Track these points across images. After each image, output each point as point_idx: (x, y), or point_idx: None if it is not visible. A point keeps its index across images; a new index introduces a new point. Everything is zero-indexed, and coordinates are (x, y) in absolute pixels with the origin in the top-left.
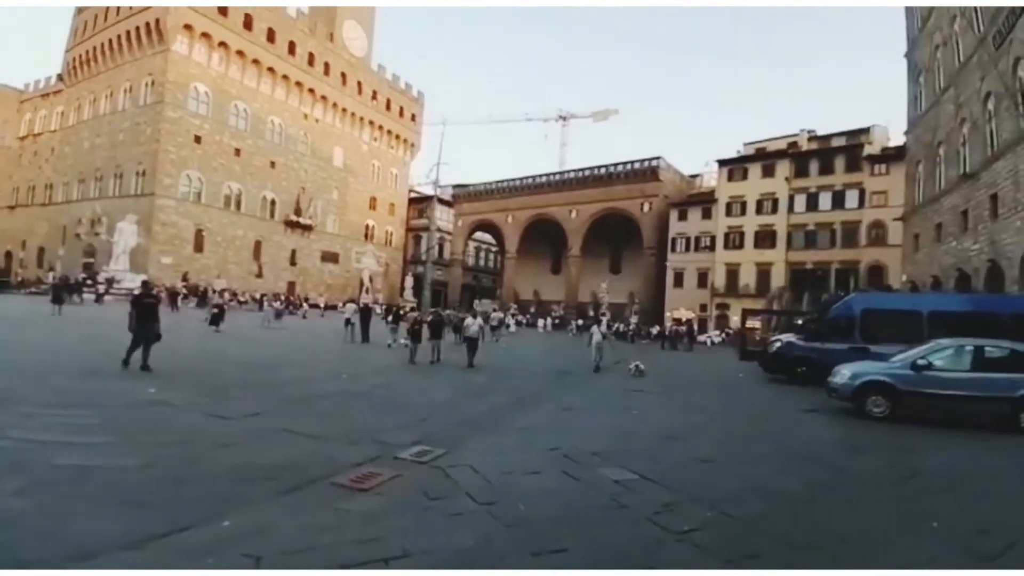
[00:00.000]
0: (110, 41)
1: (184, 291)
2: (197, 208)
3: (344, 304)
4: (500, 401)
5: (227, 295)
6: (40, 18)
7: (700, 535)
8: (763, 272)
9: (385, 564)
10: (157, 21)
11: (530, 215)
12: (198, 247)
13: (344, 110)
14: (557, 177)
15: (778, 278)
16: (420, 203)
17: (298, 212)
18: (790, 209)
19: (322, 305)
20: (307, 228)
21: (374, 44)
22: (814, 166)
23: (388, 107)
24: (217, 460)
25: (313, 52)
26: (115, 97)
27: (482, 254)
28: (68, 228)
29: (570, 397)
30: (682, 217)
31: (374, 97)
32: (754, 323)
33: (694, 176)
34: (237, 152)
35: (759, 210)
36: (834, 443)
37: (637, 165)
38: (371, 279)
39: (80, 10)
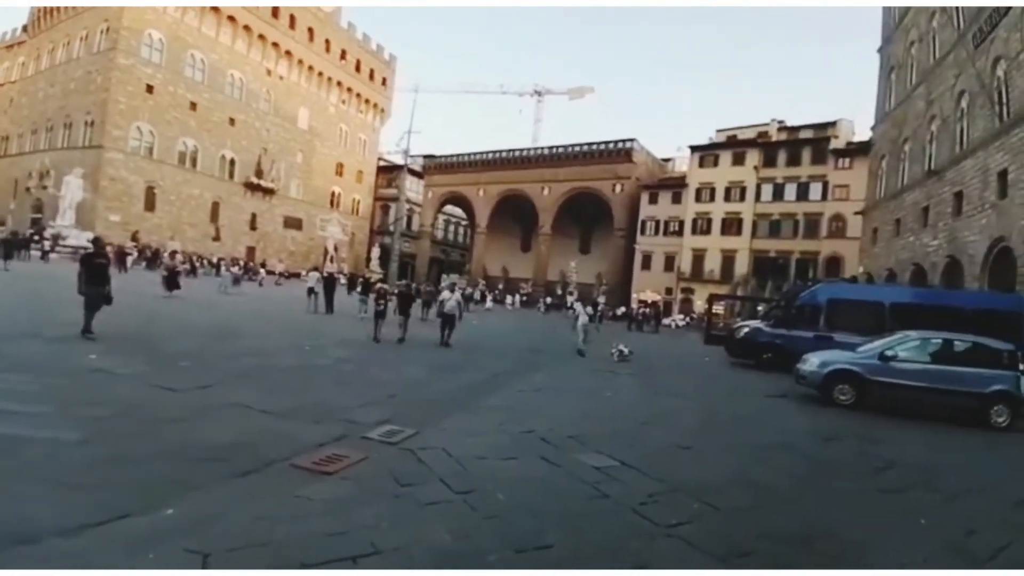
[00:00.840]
0: None
1: (134, 251)
2: (149, 164)
3: (307, 272)
4: (471, 379)
5: (180, 257)
6: None
7: (689, 529)
8: (728, 258)
9: (353, 563)
10: None
11: (502, 190)
12: (149, 205)
13: (311, 68)
14: (531, 153)
15: (742, 265)
16: (389, 172)
17: (259, 174)
18: (757, 198)
19: (279, 272)
20: (269, 191)
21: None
22: (782, 157)
23: (358, 69)
24: (162, 437)
25: (277, 4)
26: (71, 45)
27: (451, 228)
28: (20, 181)
29: (542, 377)
30: (653, 200)
31: (343, 57)
32: (718, 308)
33: (666, 160)
34: (193, 106)
35: (727, 197)
36: (806, 432)
37: (611, 146)
38: (336, 248)
39: None
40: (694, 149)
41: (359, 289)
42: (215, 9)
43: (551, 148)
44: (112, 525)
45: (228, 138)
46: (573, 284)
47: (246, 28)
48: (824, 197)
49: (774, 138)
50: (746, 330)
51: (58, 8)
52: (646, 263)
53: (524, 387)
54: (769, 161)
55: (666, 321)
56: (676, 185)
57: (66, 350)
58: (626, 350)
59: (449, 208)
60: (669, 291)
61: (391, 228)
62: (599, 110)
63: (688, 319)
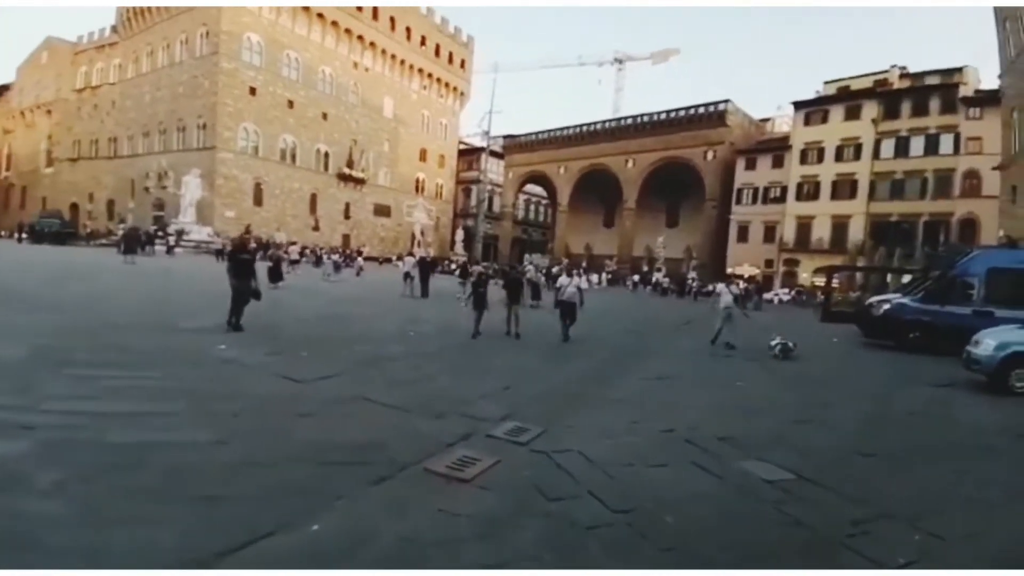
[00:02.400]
0: None
1: (252, 244)
2: (255, 161)
3: (401, 257)
4: (584, 367)
5: (296, 248)
6: None
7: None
8: (840, 225)
9: None
10: None
11: (583, 166)
12: (258, 200)
13: (393, 57)
14: (613, 125)
15: (857, 231)
16: (470, 155)
17: (351, 165)
18: (875, 155)
19: (379, 258)
20: (360, 181)
21: None
22: (906, 106)
23: (437, 53)
24: (295, 435)
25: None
26: (172, 49)
27: (532, 207)
28: (136, 182)
29: (658, 364)
30: (750, 166)
31: (423, 43)
32: (824, 280)
33: (764, 120)
34: (290, 104)
35: (839, 157)
36: (1000, 429)
37: (702, 110)
38: (422, 232)
39: None
40: (798, 106)
41: (458, 272)
42: (306, 9)
43: (635, 118)
44: (255, 547)
45: (322, 132)
46: (661, 260)
47: (334, 24)
48: (956, 150)
49: (895, 86)
50: (887, 306)
51: (149, 10)
52: (742, 234)
53: (644, 376)
54: (891, 113)
55: (767, 296)
56: (777, 147)
57: (195, 341)
58: (790, 343)
59: (529, 187)
60: (769, 264)
61: (473, 211)
62: (685, 74)
63: (794, 293)
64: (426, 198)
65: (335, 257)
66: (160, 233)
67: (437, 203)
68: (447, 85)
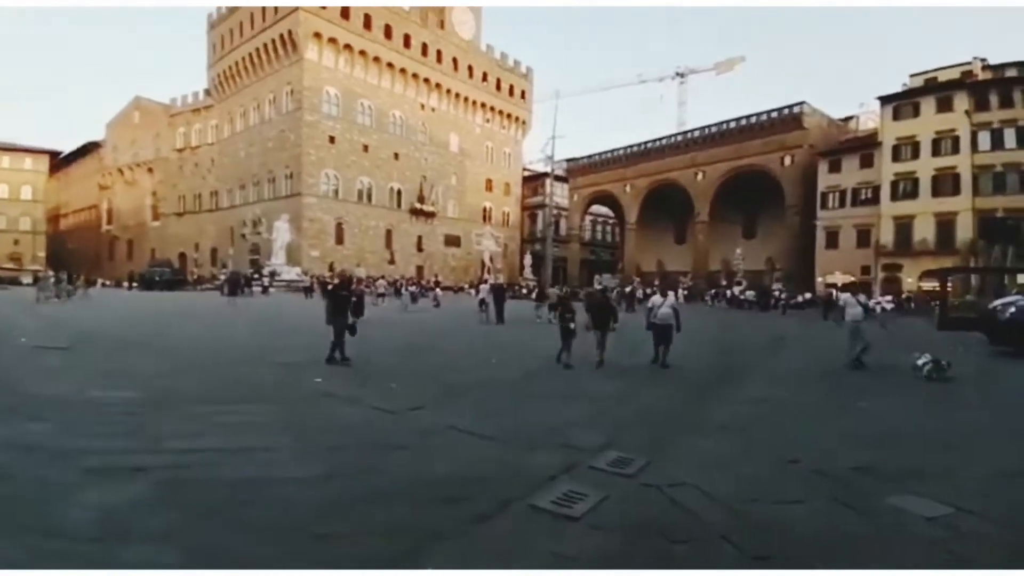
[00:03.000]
0: (250, 55)
1: (334, 280)
2: (336, 203)
3: (474, 286)
4: (675, 389)
5: (382, 284)
6: (170, 35)
7: None
8: (945, 223)
9: None
10: (289, 32)
11: (650, 182)
12: (339, 239)
13: (457, 95)
14: (679, 138)
15: (965, 230)
16: (534, 181)
17: (421, 199)
18: (973, 147)
19: (454, 287)
20: (430, 215)
21: (482, 24)
22: (994, 98)
23: (498, 87)
24: (394, 469)
25: (426, 42)
26: (262, 108)
27: (599, 228)
28: (235, 230)
29: (758, 386)
30: (834, 168)
31: (484, 79)
32: (933, 285)
33: (846, 120)
34: (365, 148)
35: (936, 150)
36: None
37: (775, 114)
38: (491, 259)
39: (213, 26)
40: (885, 100)
41: (534, 296)
42: (377, 59)
43: (702, 129)
44: None
45: (394, 171)
46: (740, 272)
47: (402, 71)
48: None
49: (980, 77)
50: (1013, 310)
51: (239, 74)
52: (831, 240)
53: (745, 399)
54: (981, 104)
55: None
56: (864, 146)
57: (293, 375)
58: (943, 361)
59: (595, 208)
60: (866, 270)
61: (539, 235)
62: (751, 81)
63: (899, 300)
64: (493, 226)
65: (412, 288)
66: (256, 275)
67: (504, 230)
68: (508, 116)
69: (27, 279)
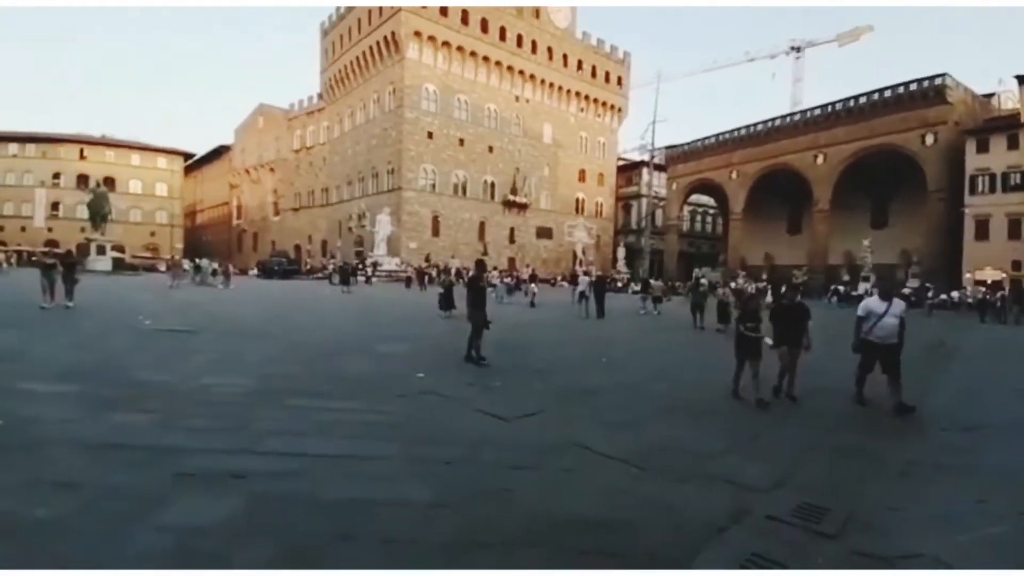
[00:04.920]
0: (357, 59)
1: (432, 271)
2: (433, 197)
3: (567, 278)
4: (841, 408)
5: (495, 273)
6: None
7: None
8: None
9: None
10: (392, 33)
11: (759, 168)
12: (435, 231)
13: (551, 85)
14: (795, 118)
15: None
16: (629, 170)
17: (514, 192)
18: None
19: (551, 280)
20: (523, 207)
21: (577, 10)
22: None
23: (593, 74)
24: (516, 499)
25: (521, 33)
26: (367, 108)
27: (699, 218)
28: (342, 223)
29: (964, 407)
30: (982, 148)
31: (579, 67)
32: None
33: (988, 96)
34: (461, 142)
35: None
36: None
37: (913, 87)
38: (584, 251)
39: (325, 33)
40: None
41: (638, 286)
42: (473, 53)
43: (823, 107)
44: None
45: (488, 164)
46: (868, 266)
47: (497, 64)
48: None
49: None
50: None
51: (347, 77)
52: (981, 231)
53: (948, 425)
54: None
55: None
56: (1010, 126)
57: (395, 368)
58: None
59: (695, 197)
60: (1016, 265)
61: (634, 227)
62: (878, 54)
63: None
64: (586, 218)
65: (507, 280)
66: (360, 266)
67: (597, 221)
68: (604, 104)
69: (162, 267)
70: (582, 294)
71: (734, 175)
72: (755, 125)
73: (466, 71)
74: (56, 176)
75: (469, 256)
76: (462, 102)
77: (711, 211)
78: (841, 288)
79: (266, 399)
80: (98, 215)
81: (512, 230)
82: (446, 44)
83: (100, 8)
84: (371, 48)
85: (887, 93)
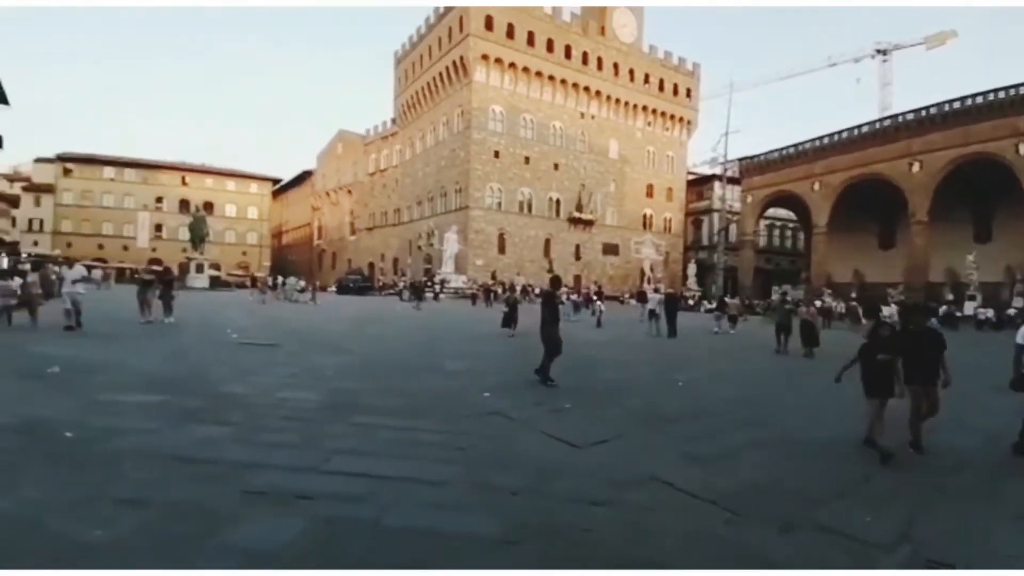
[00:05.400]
0: (427, 84)
1: (497, 288)
2: (499, 215)
3: (635, 296)
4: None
5: (565, 290)
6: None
7: None
8: None
9: None
10: (461, 58)
11: (845, 178)
12: (501, 249)
13: (617, 101)
14: (886, 124)
15: None
16: (699, 184)
17: (579, 208)
18: None
19: (619, 297)
20: (588, 223)
21: (644, 24)
22: None
23: (661, 88)
24: (597, 540)
25: (586, 51)
26: (436, 130)
27: (776, 232)
28: (412, 242)
29: None
30: None
31: (646, 81)
32: None
33: None
34: (526, 160)
35: None
36: None
37: (1001, 94)
38: (651, 268)
39: (399, 62)
40: None
41: (713, 304)
42: (539, 73)
43: (916, 111)
44: None
45: (553, 181)
46: (974, 284)
47: (562, 82)
48: None
49: None
50: None
51: (419, 102)
52: None
53: None
54: None
55: None
56: None
57: (461, 386)
58: None
59: (772, 211)
60: None
61: (705, 243)
62: (970, 57)
63: None
64: (654, 233)
65: (574, 297)
66: (429, 283)
67: (666, 237)
68: (672, 117)
69: (251, 284)
70: (652, 312)
71: (816, 186)
72: (839, 133)
73: (531, 91)
74: (159, 200)
75: (534, 273)
76: (528, 121)
77: (791, 225)
78: (942, 308)
79: (336, 415)
80: (197, 236)
81: (578, 247)
82: (512, 66)
83: (195, 43)
84: (441, 74)
85: (979, 99)
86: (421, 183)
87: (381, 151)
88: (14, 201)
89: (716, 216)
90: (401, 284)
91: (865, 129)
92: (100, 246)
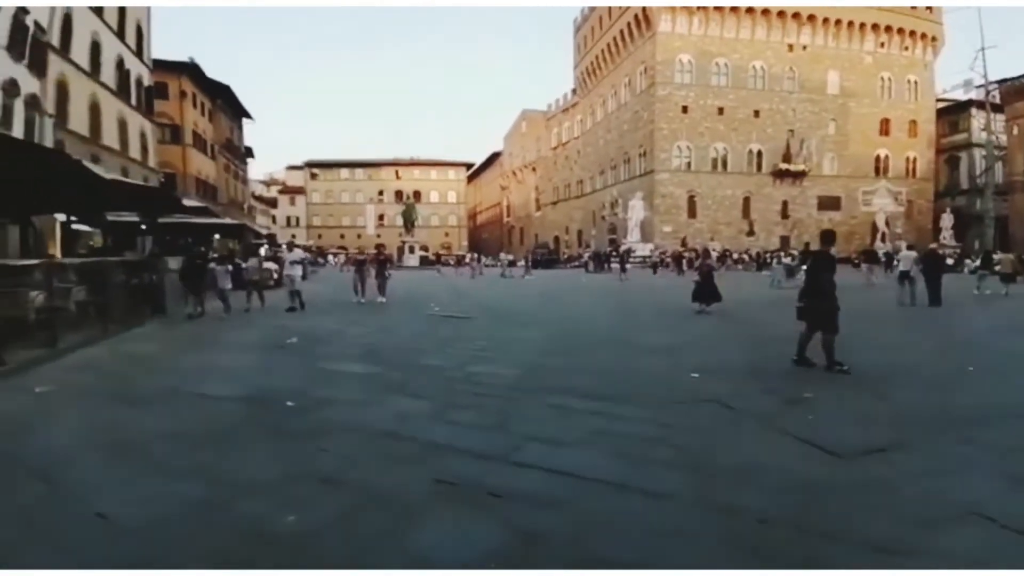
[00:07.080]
0: (607, 46)
1: (690, 255)
2: (688, 176)
3: (859, 256)
4: None
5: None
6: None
7: None
8: None
9: None
10: (644, 9)
11: None
12: (691, 213)
13: (837, 23)
14: None
15: None
16: (952, 114)
17: (787, 159)
18: None
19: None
20: (799, 175)
21: None
22: None
23: None
24: None
25: None
26: (618, 94)
27: None
28: (595, 212)
29: None
30: None
31: None
32: None
33: None
34: (720, 111)
35: None
36: None
37: None
38: (887, 223)
39: (577, 29)
40: None
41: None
42: (734, 9)
43: None
44: None
45: (753, 131)
46: None
47: (764, 13)
48: None
49: None
50: None
51: (598, 68)
52: None
53: None
54: None
55: None
56: None
57: (664, 366)
58: None
59: None
60: None
61: (964, 186)
62: None
63: None
64: (891, 179)
65: (787, 260)
66: (614, 253)
67: (908, 183)
68: (912, 34)
69: (451, 261)
70: (904, 274)
71: None
72: None
73: (725, 30)
74: (380, 193)
75: (730, 236)
76: (721, 66)
77: None
78: None
79: (527, 394)
80: (409, 222)
81: (785, 204)
82: (702, 8)
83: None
84: (622, 31)
85: None
86: (603, 151)
87: (563, 124)
88: (272, 202)
89: (977, 153)
90: (585, 256)
91: None
92: (341, 235)
